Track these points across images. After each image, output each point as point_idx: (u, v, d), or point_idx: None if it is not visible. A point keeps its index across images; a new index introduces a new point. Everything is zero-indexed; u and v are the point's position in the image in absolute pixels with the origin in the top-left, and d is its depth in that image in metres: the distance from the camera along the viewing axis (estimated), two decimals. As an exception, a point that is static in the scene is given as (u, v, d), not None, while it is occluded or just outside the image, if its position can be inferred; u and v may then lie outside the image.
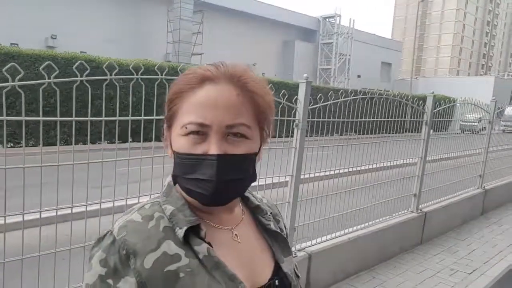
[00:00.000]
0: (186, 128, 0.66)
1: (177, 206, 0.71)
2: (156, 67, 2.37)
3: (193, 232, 0.68)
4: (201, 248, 0.67)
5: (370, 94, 3.75)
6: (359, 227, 3.80)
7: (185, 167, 0.67)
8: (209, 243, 0.68)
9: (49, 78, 1.90)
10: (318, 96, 2.75)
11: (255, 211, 0.83)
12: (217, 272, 0.66)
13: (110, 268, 0.63)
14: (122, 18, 24.51)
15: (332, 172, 3.37)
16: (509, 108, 20.14)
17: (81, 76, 2.01)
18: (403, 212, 4.43)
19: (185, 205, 0.71)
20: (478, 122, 7.05)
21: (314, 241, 3.37)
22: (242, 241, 0.75)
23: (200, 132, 0.66)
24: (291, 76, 33.43)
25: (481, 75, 75.86)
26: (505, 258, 4.32)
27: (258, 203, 0.83)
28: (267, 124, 0.73)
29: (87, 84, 2.03)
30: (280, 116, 2.88)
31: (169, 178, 0.76)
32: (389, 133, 3.97)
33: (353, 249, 3.61)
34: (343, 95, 3.36)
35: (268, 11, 36.56)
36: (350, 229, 3.69)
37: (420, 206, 4.57)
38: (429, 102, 4.40)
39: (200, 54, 26.17)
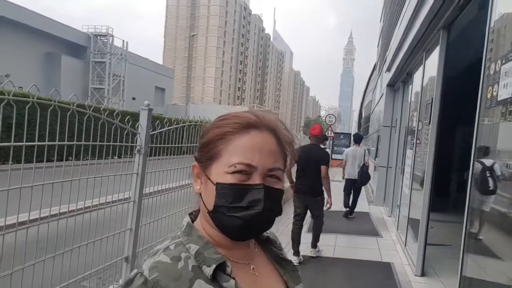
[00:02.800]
0: (235, 167, 0.73)
1: (201, 245, 0.75)
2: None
3: (220, 269, 0.72)
4: (229, 284, 0.72)
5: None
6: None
7: (232, 196, 0.73)
8: (234, 279, 0.73)
9: None
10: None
11: (265, 242, 0.90)
12: None
13: None
14: None
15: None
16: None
17: None
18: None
19: (208, 243, 0.76)
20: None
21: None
22: (259, 274, 0.81)
23: (245, 171, 0.73)
24: (57, 93, 29.87)
25: (237, 104, 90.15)
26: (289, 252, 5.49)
27: (268, 235, 0.91)
28: (288, 168, 0.85)
29: None
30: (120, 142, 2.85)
31: (187, 218, 0.82)
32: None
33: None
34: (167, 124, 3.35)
35: (27, 17, 31.64)
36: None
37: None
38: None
39: None
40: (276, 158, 0.77)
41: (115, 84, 41.18)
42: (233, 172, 0.73)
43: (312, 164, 4.94)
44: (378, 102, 12.84)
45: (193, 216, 0.84)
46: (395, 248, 5.82)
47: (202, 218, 0.80)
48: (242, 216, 0.72)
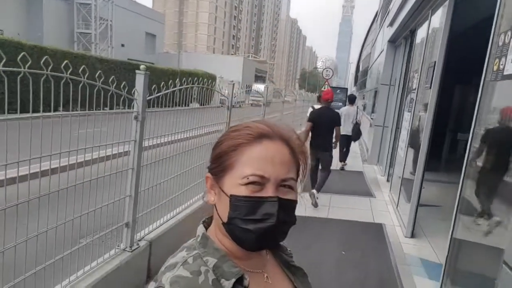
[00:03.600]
0: (248, 178, 0.73)
1: (218, 258, 0.76)
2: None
3: (237, 281, 0.74)
4: None
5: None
6: (184, 206, 4.04)
7: (245, 209, 0.73)
8: None
9: None
10: (82, 69, 2.24)
11: (276, 249, 0.91)
12: None
13: None
14: None
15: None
16: (255, 85, 24.29)
17: None
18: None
19: (225, 256, 0.77)
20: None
21: (151, 227, 3.43)
22: (272, 281, 0.83)
23: (258, 183, 0.73)
24: (41, 38, 28.63)
25: (232, 54, 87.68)
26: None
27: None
28: (301, 178, 0.84)
29: None
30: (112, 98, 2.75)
31: (201, 228, 0.82)
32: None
33: (184, 229, 3.83)
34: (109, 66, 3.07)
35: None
36: (178, 209, 3.91)
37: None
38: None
39: None
40: (289, 168, 0.77)
41: (102, 29, 39.35)
42: (246, 184, 0.73)
43: (326, 124, 5.86)
44: (377, 58, 12.55)
45: (206, 224, 0.84)
46: (387, 209, 5.99)
47: (217, 228, 0.80)
48: (256, 228, 0.73)
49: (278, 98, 10.37)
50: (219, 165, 0.78)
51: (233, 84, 5.15)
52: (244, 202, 0.73)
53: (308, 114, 6.28)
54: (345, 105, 10.06)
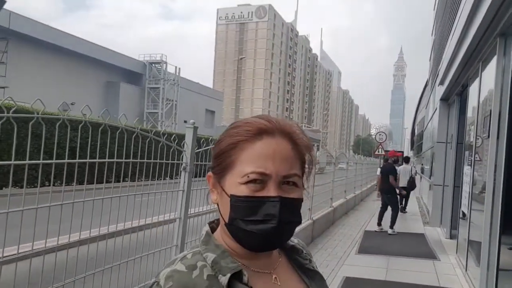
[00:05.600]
0: (248, 176, 0.70)
1: (217, 254, 0.74)
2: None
3: (236, 278, 0.71)
4: None
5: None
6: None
7: (246, 209, 0.70)
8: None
9: None
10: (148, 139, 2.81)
11: (291, 251, 0.87)
12: None
13: None
14: None
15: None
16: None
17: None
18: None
19: (225, 252, 0.74)
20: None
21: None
22: (281, 283, 0.78)
23: (259, 180, 0.70)
24: (116, 118, 31.92)
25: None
26: (338, 274, 5.28)
27: (293, 243, 0.87)
28: (307, 174, 0.80)
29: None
30: (166, 160, 2.96)
31: (206, 227, 0.80)
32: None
33: None
34: (212, 143, 3.53)
35: (87, 48, 34.44)
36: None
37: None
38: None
39: (4, 87, 21.87)
40: (291, 164, 0.74)
41: (168, 108, 43.28)
42: (247, 182, 0.71)
43: (385, 174, 8.69)
44: (431, 118, 12.24)
45: (214, 224, 0.83)
46: (454, 272, 5.37)
47: (221, 229, 0.78)
48: (258, 230, 0.69)
49: (331, 166, 10.36)
50: (219, 164, 0.76)
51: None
52: (245, 203, 0.70)
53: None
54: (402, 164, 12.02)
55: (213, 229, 0.81)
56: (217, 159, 0.77)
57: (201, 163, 3.32)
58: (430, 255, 6.27)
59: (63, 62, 32.25)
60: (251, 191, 0.70)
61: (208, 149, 3.45)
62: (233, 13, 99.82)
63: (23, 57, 27.09)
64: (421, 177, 15.82)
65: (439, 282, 4.89)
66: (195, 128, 3.18)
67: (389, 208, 8.55)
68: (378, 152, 17.57)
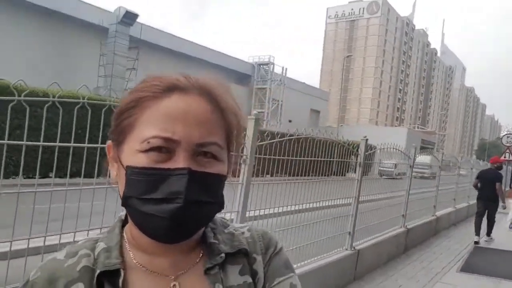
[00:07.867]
0: (148, 142, 0.55)
1: (110, 244, 0.61)
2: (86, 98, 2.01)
3: (114, 277, 0.58)
4: None
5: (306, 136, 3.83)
6: (298, 265, 3.84)
7: (144, 185, 0.55)
8: None
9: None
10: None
11: (212, 252, 0.66)
12: None
13: None
14: (48, 46, 23.23)
15: (277, 210, 3.43)
16: (419, 156, 22.27)
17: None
18: (338, 250, 4.60)
19: (118, 243, 0.62)
20: (395, 168, 7.66)
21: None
22: None
23: (164, 149, 0.55)
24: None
25: (396, 126, 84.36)
26: (428, 292, 4.65)
27: (214, 241, 0.66)
28: (234, 148, 0.64)
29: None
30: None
31: (123, 212, 0.65)
32: (318, 175, 3.96)
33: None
34: (278, 136, 3.39)
35: (205, 54, 37.55)
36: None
37: (353, 244, 4.79)
38: (362, 146, 4.87)
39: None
40: (210, 129, 0.58)
41: (274, 107, 44.30)
42: (148, 150, 0.55)
43: (490, 180, 7.80)
44: None
45: None
46: None
47: None
48: (157, 211, 0.54)
49: (449, 171, 9.38)
50: (117, 126, 0.60)
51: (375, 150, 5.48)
52: (141, 176, 0.55)
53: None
54: None
55: None
56: (115, 121, 0.61)
57: (264, 156, 3.23)
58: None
59: (184, 66, 35.48)
60: (151, 161, 0.55)
61: (273, 142, 3.34)
62: (343, 11, 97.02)
63: (150, 63, 30.68)
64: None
65: None
66: (257, 120, 3.10)
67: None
68: (505, 157, 15.06)
